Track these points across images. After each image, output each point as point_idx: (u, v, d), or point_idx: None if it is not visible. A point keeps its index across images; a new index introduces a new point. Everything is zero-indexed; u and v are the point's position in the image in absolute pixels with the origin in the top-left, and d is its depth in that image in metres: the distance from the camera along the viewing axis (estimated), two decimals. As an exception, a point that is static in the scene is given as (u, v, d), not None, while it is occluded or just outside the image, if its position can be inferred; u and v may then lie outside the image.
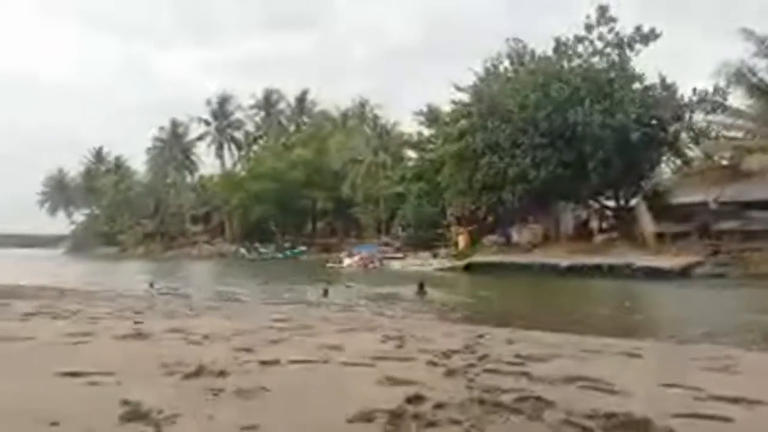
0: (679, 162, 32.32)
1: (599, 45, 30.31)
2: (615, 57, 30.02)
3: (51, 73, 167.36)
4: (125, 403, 2.87)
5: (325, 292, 17.40)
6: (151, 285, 20.53)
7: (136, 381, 3.40)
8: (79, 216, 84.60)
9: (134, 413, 2.76)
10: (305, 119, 66.29)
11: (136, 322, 6.61)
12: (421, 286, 17.71)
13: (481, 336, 6.24)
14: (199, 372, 3.67)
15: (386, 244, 41.87)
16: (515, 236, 33.67)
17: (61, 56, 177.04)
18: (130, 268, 41.64)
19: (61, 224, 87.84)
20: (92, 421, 2.58)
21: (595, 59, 30.48)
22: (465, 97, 35.04)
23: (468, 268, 28.77)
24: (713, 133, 29.29)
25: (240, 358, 4.24)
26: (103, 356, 4.22)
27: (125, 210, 71.23)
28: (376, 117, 57.82)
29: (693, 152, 31.76)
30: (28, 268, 37.99)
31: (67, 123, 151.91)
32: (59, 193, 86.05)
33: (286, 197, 52.94)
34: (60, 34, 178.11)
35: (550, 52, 31.30)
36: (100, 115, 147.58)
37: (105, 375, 3.50)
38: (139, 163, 77.66)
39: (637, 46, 29.88)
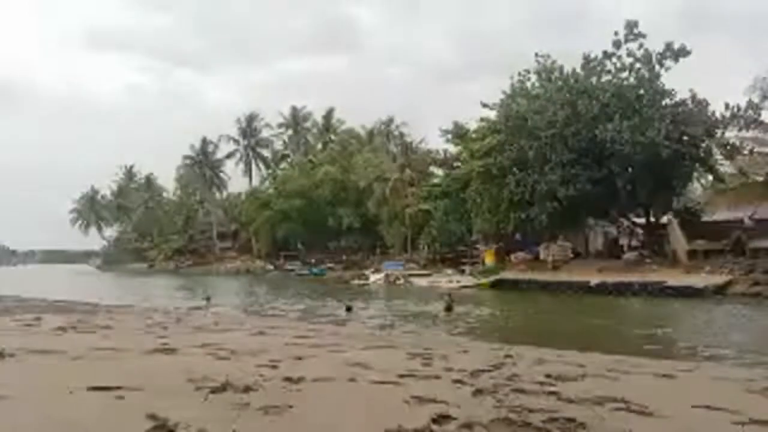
0: (711, 178, 31.64)
1: (628, 61, 30.02)
2: (645, 73, 29.64)
3: (87, 96, 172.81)
4: (152, 417, 2.89)
5: (349, 309, 17.41)
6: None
7: (163, 396, 3.42)
8: (111, 232, 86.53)
9: (161, 428, 2.76)
10: (332, 137, 66.90)
11: (163, 337, 6.67)
12: (449, 304, 17.54)
13: (508, 355, 6.14)
14: (225, 387, 3.68)
15: (412, 261, 41.73)
16: (543, 254, 33.25)
17: (97, 79, 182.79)
18: (159, 283, 42.24)
19: (92, 241, 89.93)
20: (119, 436, 2.59)
21: (624, 75, 30.16)
22: (492, 114, 34.98)
23: (495, 285, 28.49)
24: (747, 149, 28.63)
25: (266, 374, 4.24)
26: (131, 371, 4.25)
27: (155, 226, 72.54)
28: (402, 134, 58.06)
29: (726, 168, 31.09)
30: (60, 283, 38.88)
31: (103, 143, 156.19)
32: (91, 210, 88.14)
33: (312, 215, 53.32)
34: (96, 58, 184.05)
35: (578, 69, 31.09)
36: (135, 135, 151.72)
37: (132, 390, 3.52)
38: (169, 181, 79.30)
39: (668, 62, 29.50)
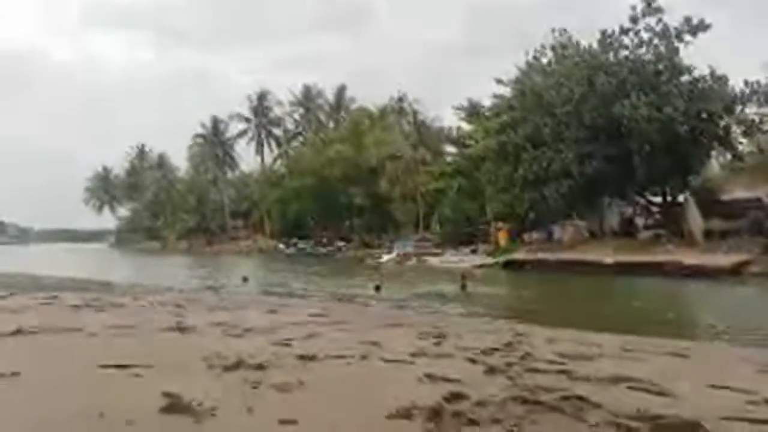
0: (729, 156, 31.14)
1: (646, 36, 29.41)
2: (662, 48, 29.04)
3: (99, 74, 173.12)
4: (166, 394, 2.91)
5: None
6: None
7: (177, 373, 3.45)
8: (124, 211, 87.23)
9: (175, 405, 2.79)
10: (343, 115, 66.57)
11: (178, 316, 6.73)
12: (463, 283, 17.55)
13: (521, 334, 6.13)
14: (238, 365, 3.71)
15: (424, 240, 41.72)
16: (557, 233, 33.05)
17: (108, 57, 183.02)
18: (172, 262, 42.67)
19: (106, 220, 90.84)
20: (135, 413, 2.62)
21: (642, 50, 29.58)
22: (507, 91, 34.59)
23: (507, 265, 28.40)
24: (767, 127, 28.13)
25: (279, 352, 4.26)
26: (146, 349, 4.30)
27: (167, 206, 73.00)
28: (414, 112, 57.64)
29: (745, 146, 30.60)
30: (74, 262, 39.40)
31: (114, 121, 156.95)
32: (104, 189, 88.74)
33: (324, 194, 53.31)
34: (107, 36, 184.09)
35: (595, 45, 30.54)
36: (144, 113, 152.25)
37: (148, 367, 3.56)
38: (181, 160, 79.60)
39: (687, 37, 28.87)
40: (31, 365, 3.50)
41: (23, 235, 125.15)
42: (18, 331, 4.65)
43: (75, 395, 2.92)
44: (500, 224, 36.36)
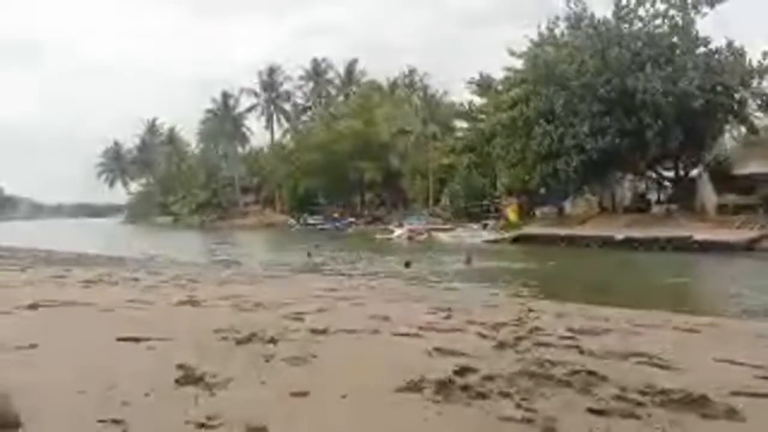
0: (744, 130, 30.70)
1: (662, 8, 28.81)
2: (678, 20, 28.46)
3: (107, 50, 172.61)
4: (180, 367, 2.96)
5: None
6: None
7: (191, 346, 3.50)
8: (136, 186, 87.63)
9: (189, 377, 2.84)
10: (353, 89, 66.11)
11: (190, 290, 6.81)
12: (468, 258, 17.73)
13: (530, 308, 6.14)
14: (251, 338, 3.75)
15: (435, 216, 41.71)
16: (569, 208, 32.96)
17: (115, 30, 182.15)
18: (184, 237, 43.05)
19: (118, 195, 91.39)
20: (150, 384, 2.67)
21: (657, 22, 29.00)
22: (519, 64, 34.12)
23: (517, 240, 28.39)
24: (784, 100, 27.64)
25: (291, 326, 4.31)
26: (159, 322, 4.36)
27: (179, 181, 73.29)
28: (425, 86, 57.05)
29: (760, 121, 30.09)
30: (88, 237, 39.86)
31: (125, 96, 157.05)
32: (116, 164, 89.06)
33: (334, 169, 53.25)
34: (113, 8, 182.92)
35: (609, 16, 29.96)
36: (155, 88, 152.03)
37: (161, 340, 3.62)
38: (192, 135, 79.61)
39: (704, 8, 28.24)
40: (48, 338, 3.57)
41: (37, 211, 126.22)
42: (34, 305, 4.73)
43: (91, 367, 2.98)
44: (511, 199, 36.25)
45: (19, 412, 2.16)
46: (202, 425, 2.26)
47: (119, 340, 3.59)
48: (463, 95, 47.72)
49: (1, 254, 13.82)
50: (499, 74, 38.46)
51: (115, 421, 2.23)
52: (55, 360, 3.12)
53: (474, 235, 31.76)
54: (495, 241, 29.13)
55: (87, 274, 8.45)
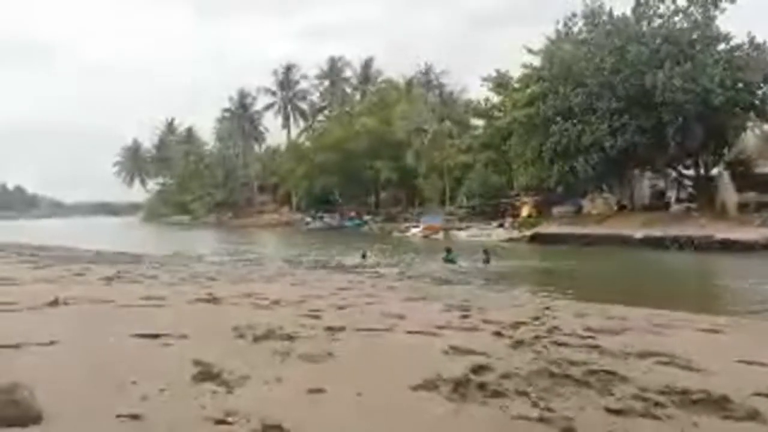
0: (766, 128, 30.18)
1: (681, 3, 28.40)
2: (698, 16, 28.04)
3: (128, 51, 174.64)
4: (197, 363, 2.98)
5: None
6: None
7: (208, 343, 3.52)
8: (154, 185, 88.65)
9: (206, 374, 2.85)
10: (370, 87, 66.16)
11: (207, 288, 6.86)
12: (486, 257, 17.64)
13: (548, 308, 6.10)
14: (267, 336, 3.77)
15: (451, 214, 41.60)
16: (587, 206, 32.67)
17: (133, 33, 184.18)
18: (201, 235, 43.41)
19: (137, 194, 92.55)
20: (167, 381, 2.69)
21: (677, 18, 28.60)
22: (536, 61, 33.87)
23: (534, 239, 28.22)
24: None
25: (307, 323, 4.32)
26: (176, 319, 4.39)
27: (196, 179, 73.96)
28: (441, 84, 56.88)
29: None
30: (105, 235, 40.36)
31: (143, 96, 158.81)
32: (134, 163, 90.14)
33: (350, 167, 53.31)
34: (133, 9, 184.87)
35: (628, 13, 29.60)
36: (173, 87, 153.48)
37: (178, 337, 3.64)
38: (209, 134, 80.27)
39: (724, 3, 27.79)
40: (67, 334, 3.61)
41: (57, 209, 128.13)
42: (55, 302, 4.79)
43: (109, 363, 3.01)
44: (528, 198, 36.02)
45: (40, 407, 2.19)
46: (220, 421, 2.27)
47: (137, 336, 3.63)
48: (479, 93, 47.48)
49: (22, 251, 14.02)
50: (515, 73, 38.29)
51: (133, 416, 2.24)
52: (74, 356, 3.16)
53: (491, 233, 31.63)
54: (512, 240, 28.97)
55: (106, 271, 8.55)
